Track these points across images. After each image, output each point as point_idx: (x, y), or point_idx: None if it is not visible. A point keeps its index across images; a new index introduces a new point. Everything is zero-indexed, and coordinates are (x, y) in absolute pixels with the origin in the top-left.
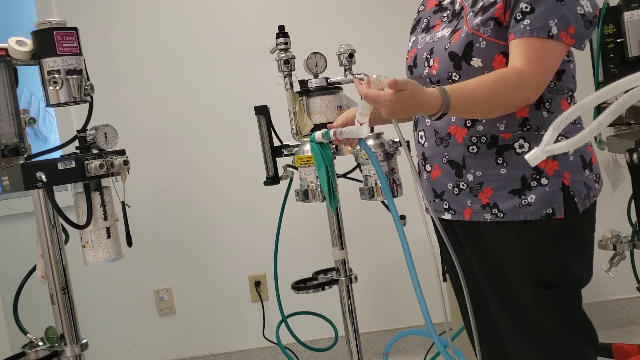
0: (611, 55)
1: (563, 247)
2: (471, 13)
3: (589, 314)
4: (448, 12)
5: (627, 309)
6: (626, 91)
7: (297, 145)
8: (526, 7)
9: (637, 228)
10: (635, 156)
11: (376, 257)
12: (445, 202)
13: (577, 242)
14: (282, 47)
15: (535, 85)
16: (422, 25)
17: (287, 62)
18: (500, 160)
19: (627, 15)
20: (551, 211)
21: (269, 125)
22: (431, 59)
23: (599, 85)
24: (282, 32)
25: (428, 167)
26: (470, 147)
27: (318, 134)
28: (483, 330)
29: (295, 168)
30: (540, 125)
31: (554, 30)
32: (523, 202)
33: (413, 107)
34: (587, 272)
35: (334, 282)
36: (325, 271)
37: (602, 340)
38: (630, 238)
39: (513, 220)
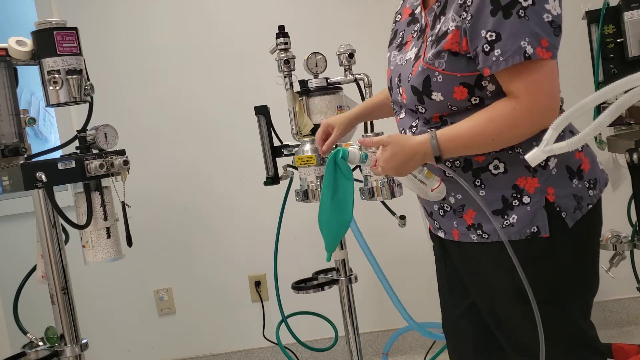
0: (611, 55)
1: (551, 265)
2: (430, 37)
3: None
4: (419, 24)
5: (627, 309)
6: (626, 91)
7: (297, 145)
8: (491, 36)
9: (637, 228)
10: (635, 156)
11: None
12: (435, 221)
13: (568, 257)
14: (282, 47)
15: (537, 113)
16: (397, 41)
17: (287, 62)
18: (477, 182)
19: (627, 15)
20: (536, 230)
21: (269, 125)
22: (400, 87)
23: (599, 85)
24: (282, 32)
25: None
26: (447, 172)
27: (354, 152)
28: (481, 350)
29: (295, 168)
30: (515, 144)
31: (529, 50)
32: (505, 222)
33: (406, 157)
34: (587, 285)
35: (334, 282)
36: (325, 271)
37: (602, 340)
38: (630, 238)
39: (498, 241)
